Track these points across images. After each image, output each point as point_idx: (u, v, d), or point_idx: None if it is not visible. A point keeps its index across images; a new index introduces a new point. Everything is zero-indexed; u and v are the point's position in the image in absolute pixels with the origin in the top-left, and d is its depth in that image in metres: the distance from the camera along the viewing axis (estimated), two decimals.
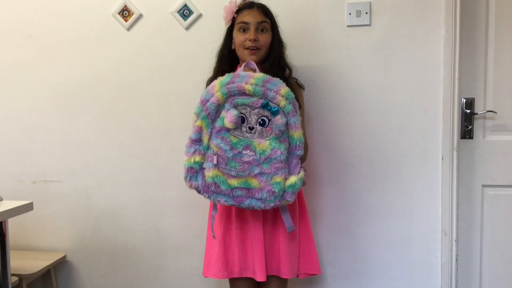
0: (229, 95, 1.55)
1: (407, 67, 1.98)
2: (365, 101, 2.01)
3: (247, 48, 1.72)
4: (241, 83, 1.54)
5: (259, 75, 1.57)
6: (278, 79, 1.59)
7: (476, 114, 2.01)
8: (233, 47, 1.78)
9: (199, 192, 1.62)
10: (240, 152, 1.56)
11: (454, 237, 1.98)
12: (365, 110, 2.02)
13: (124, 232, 2.23)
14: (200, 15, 2.08)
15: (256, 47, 1.72)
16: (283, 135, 1.55)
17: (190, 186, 1.62)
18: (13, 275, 1.91)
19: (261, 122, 1.56)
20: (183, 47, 2.11)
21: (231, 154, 1.56)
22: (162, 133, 2.15)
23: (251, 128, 1.57)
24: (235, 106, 1.55)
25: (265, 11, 1.76)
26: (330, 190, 2.07)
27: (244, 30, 1.73)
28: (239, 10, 1.77)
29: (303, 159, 1.74)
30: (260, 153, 1.55)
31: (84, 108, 2.20)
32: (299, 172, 1.57)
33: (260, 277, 1.69)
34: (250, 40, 1.71)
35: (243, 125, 1.57)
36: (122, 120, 2.18)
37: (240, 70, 1.66)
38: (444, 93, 1.96)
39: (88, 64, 2.18)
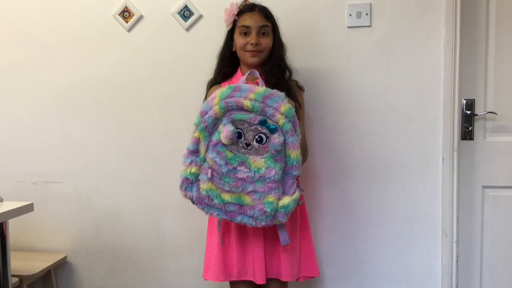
0: (227, 110, 1.52)
1: (407, 68, 1.98)
2: (366, 102, 2.01)
3: (249, 51, 1.71)
4: (240, 98, 1.51)
5: (261, 89, 1.53)
6: (281, 94, 1.54)
7: (477, 115, 2.01)
8: (234, 49, 1.77)
9: (193, 202, 1.61)
10: (234, 168, 1.54)
11: (455, 238, 1.98)
12: (366, 111, 2.02)
13: (124, 233, 2.23)
14: (200, 16, 2.08)
15: (257, 51, 1.71)
16: (280, 154, 1.52)
17: (185, 196, 1.61)
18: (13, 275, 1.91)
19: (258, 139, 1.52)
20: (183, 48, 2.10)
21: (226, 169, 1.53)
22: (162, 134, 2.15)
23: (247, 145, 1.54)
24: (233, 121, 1.52)
25: (267, 14, 1.74)
26: (330, 191, 2.07)
27: (246, 33, 1.72)
28: (240, 13, 1.75)
29: (303, 161, 1.74)
30: (254, 171, 1.52)
31: (85, 109, 2.20)
32: (293, 193, 1.54)
33: (260, 280, 1.68)
34: (251, 44, 1.70)
35: (239, 140, 1.54)
36: (123, 121, 2.18)
37: (242, 80, 1.64)
38: (444, 94, 1.96)
39: (88, 65, 2.18)
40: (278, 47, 1.76)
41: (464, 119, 2.01)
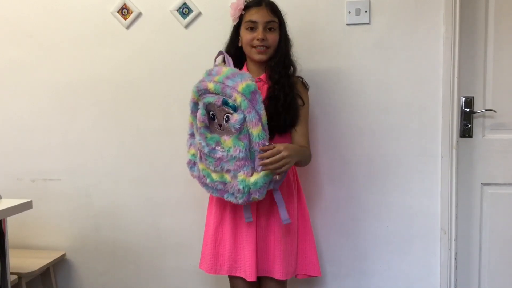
0: (200, 94, 1.59)
1: (406, 66, 1.97)
2: (365, 100, 2.01)
3: (255, 47, 1.70)
4: (206, 82, 1.56)
5: (226, 70, 1.56)
6: (243, 72, 1.58)
7: (476, 112, 2.01)
8: (239, 45, 1.76)
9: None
10: (213, 148, 1.58)
11: (453, 236, 1.98)
12: (365, 109, 2.01)
13: (123, 231, 2.23)
14: (199, 14, 2.08)
15: (264, 46, 1.69)
16: (242, 132, 1.53)
17: (192, 176, 1.75)
18: (12, 273, 1.91)
19: (227, 119, 1.55)
20: (182, 46, 2.10)
21: (207, 149, 1.59)
22: (161, 132, 2.15)
23: (220, 125, 1.58)
24: (205, 105, 1.58)
25: (274, 9, 1.72)
26: (329, 189, 2.07)
27: (252, 29, 1.70)
28: (247, 7, 1.72)
29: (306, 160, 1.72)
30: (227, 150, 1.55)
31: (84, 107, 2.20)
32: (261, 170, 1.53)
33: (250, 277, 1.67)
34: (258, 39, 1.68)
35: (214, 122, 1.59)
36: (122, 118, 2.18)
37: (214, 64, 1.69)
38: (443, 92, 1.96)
39: (87, 62, 2.18)
40: (284, 43, 1.74)
41: (463, 117, 2.01)
